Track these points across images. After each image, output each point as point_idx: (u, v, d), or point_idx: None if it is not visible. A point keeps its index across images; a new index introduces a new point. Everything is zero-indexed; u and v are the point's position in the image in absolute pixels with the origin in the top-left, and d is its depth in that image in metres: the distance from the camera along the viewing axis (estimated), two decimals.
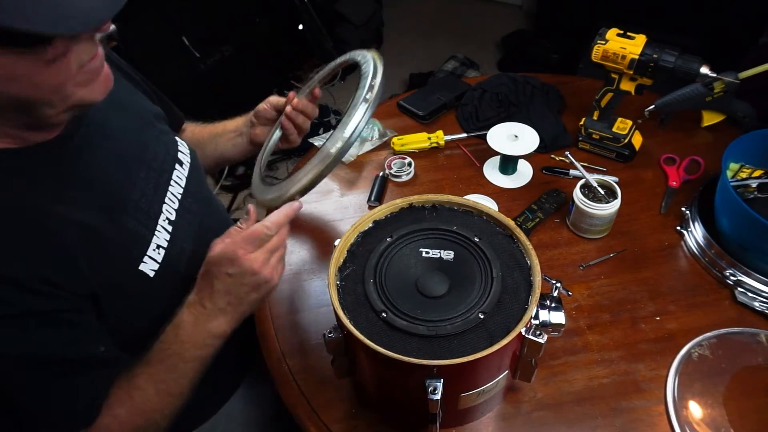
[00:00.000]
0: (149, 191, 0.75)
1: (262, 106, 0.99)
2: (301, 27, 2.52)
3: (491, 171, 1.12)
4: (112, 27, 0.58)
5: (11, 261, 0.58)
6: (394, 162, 1.14)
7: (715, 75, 0.98)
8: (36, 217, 0.61)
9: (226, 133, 1.04)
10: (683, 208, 1.00)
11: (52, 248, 0.61)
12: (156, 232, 0.74)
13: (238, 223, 0.74)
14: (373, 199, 1.07)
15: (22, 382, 0.60)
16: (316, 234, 1.03)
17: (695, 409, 0.76)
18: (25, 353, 0.59)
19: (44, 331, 0.60)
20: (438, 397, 0.60)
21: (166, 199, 0.78)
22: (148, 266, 0.71)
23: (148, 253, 0.71)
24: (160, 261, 0.72)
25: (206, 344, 0.71)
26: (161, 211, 0.76)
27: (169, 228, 0.76)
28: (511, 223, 0.73)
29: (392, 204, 0.78)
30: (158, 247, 0.73)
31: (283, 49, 2.50)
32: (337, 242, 0.73)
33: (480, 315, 0.64)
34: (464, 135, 1.19)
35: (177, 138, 0.87)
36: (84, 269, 0.63)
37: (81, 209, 0.65)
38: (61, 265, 0.61)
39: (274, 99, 0.99)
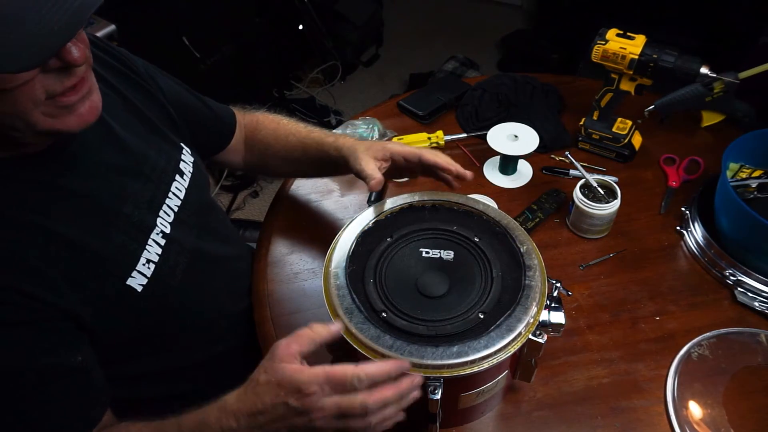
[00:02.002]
0: (143, 204, 0.73)
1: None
2: (301, 27, 2.53)
3: (491, 171, 1.12)
4: (112, 27, 0.57)
5: None
6: None
7: (715, 75, 0.98)
8: (13, 228, 0.59)
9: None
10: (683, 208, 1.00)
11: (28, 259, 0.59)
12: (147, 246, 0.71)
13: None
14: (373, 199, 1.07)
15: None
16: (316, 234, 1.03)
17: (695, 409, 0.76)
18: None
19: (18, 340, 0.58)
20: (438, 397, 0.60)
21: (161, 212, 0.75)
22: (136, 281, 0.69)
23: (137, 268, 0.69)
24: (149, 276, 0.70)
25: None
26: (155, 225, 0.73)
27: (162, 242, 0.74)
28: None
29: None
30: (148, 261, 0.71)
31: (283, 48, 2.50)
32: None
33: (480, 315, 0.64)
34: (464, 135, 1.19)
35: (182, 145, 0.84)
36: (62, 282, 0.61)
37: (65, 222, 0.63)
38: (35, 276, 0.59)
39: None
